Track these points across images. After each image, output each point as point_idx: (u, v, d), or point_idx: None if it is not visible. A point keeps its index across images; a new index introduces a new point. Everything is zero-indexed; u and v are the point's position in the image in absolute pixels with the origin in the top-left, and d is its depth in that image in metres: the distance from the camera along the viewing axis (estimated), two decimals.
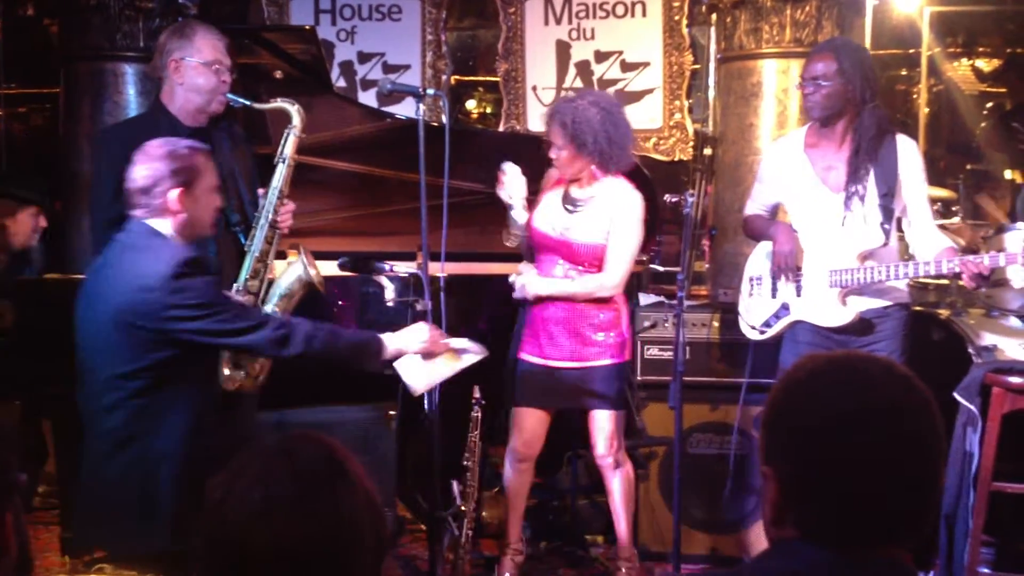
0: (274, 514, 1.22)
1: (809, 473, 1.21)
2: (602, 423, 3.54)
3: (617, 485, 3.61)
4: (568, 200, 3.53)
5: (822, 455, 1.20)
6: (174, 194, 2.60)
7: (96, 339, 2.64)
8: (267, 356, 2.97)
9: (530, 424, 3.58)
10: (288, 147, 3.18)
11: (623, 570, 3.67)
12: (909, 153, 3.32)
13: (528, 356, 3.56)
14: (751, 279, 3.59)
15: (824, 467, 1.20)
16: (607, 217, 3.47)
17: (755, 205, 3.64)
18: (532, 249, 3.58)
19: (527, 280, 3.50)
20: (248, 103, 3.23)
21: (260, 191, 3.20)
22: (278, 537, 1.22)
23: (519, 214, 3.51)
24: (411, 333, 2.84)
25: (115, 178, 2.90)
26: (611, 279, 3.46)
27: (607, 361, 3.51)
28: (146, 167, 2.60)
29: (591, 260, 3.48)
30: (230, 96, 3.16)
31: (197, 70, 3.11)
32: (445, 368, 2.93)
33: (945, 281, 4.28)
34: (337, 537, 1.24)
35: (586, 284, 3.46)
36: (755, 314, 3.55)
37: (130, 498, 2.58)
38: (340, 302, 3.94)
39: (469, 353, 2.98)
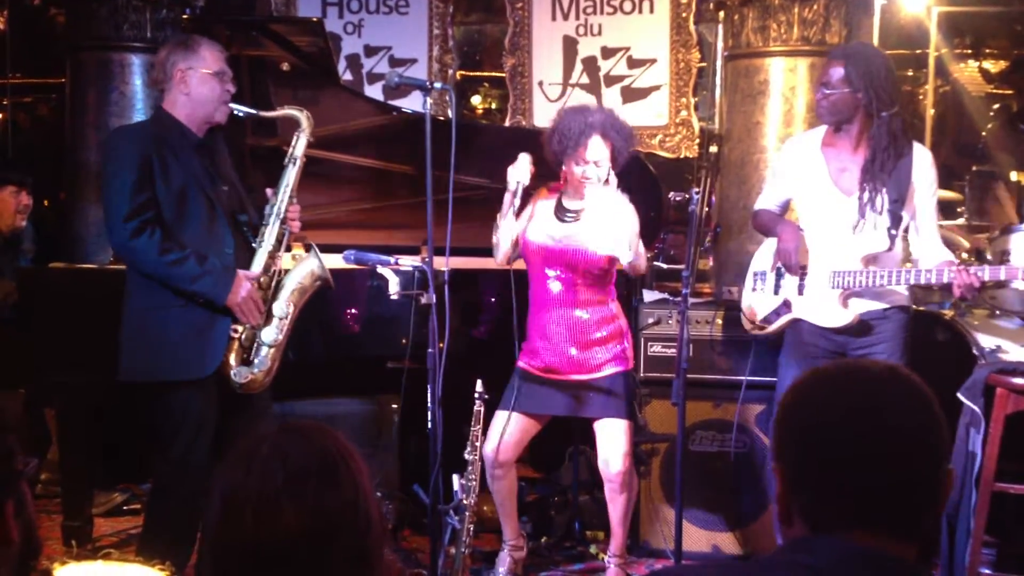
0: (306, 486, 1.22)
1: (810, 463, 1.27)
2: (616, 434, 3.47)
3: (624, 500, 3.54)
4: (562, 210, 3.51)
5: (821, 446, 1.27)
6: None
7: None
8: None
9: (507, 429, 3.50)
10: (299, 148, 3.25)
11: (613, 566, 3.65)
12: (924, 164, 3.30)
13: (526, 365, 3.52)
14: (755, 274, 3.59)
15: (822, 457, 1.26)
16: (612, 227, 3.42)
17: (767, 199, 3.62)
18: (528, 262, 3.52)
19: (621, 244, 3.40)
20: (254, 112, 3.29)
21: (269, 191, 3.24)
22: (311, 511, 1.22)
23: (512, 199, 3.42)
24: None
25: (138, 171, 3.00)
26: (643, 262, 3.57)
27: (616, 369, 3.48)
28: None
29: (591, 269, 3.44)
30: (235, 106, 3.19)
31: (203, 79, 3.12)
32: None
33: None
34: (358, 511, 1.25)
35: (639, 253, 3.51)
36: (756, 310, 3.55)
37: None
38: (345, 295, 3.94)
39: None
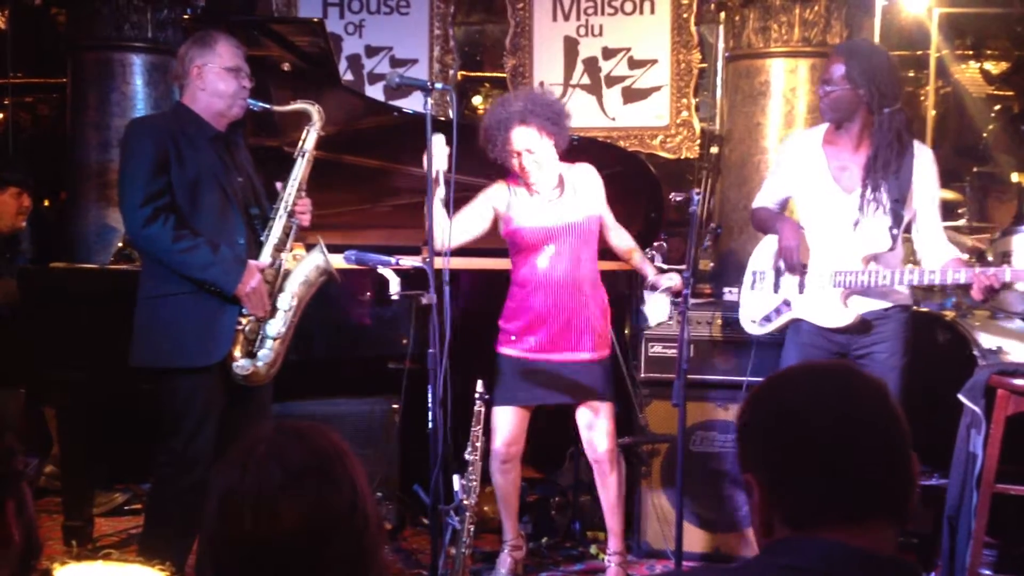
0: (304, 486, 1.23)
1: (797, 466, 1.27)
2: (600, 414, 3.55)
3: (615, 481, 3.61)
4: (542, 196, 3.52)
5: (806, 446, 1.27)
6: None
7: None
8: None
9: (512, 423, 3.55)
10: (309, 142, 3.27)
11: (614, 565, 3.66)
12: (926, 163, 3.30)
13: (515, 352, 3.53)
14: (754, 272, 3.59)
15: (810, 457, 1.26)
16: (588, 194, 3.55)
17: (766, 197, 3.61)
18: (526, 247, 3.52)
19: (671, 284, 3.49)
20: (268, 107, 3.30)
21: (279, 184, 3.26)
22: (309, 510, 1.22)
23: (439, 191, 3.22)
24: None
25: (154, 159, 3.03)
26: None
27: (600, 354, 3.54)
28: None
29: (589, 236, 3.53)
30: (250, 101, 3.22)
31: (219, 75, 3.16)
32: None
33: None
34: (355, 510, 1.25)
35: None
36: (755, 308, 3.55)
37: None
38: (345, 295, 3.94)
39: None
